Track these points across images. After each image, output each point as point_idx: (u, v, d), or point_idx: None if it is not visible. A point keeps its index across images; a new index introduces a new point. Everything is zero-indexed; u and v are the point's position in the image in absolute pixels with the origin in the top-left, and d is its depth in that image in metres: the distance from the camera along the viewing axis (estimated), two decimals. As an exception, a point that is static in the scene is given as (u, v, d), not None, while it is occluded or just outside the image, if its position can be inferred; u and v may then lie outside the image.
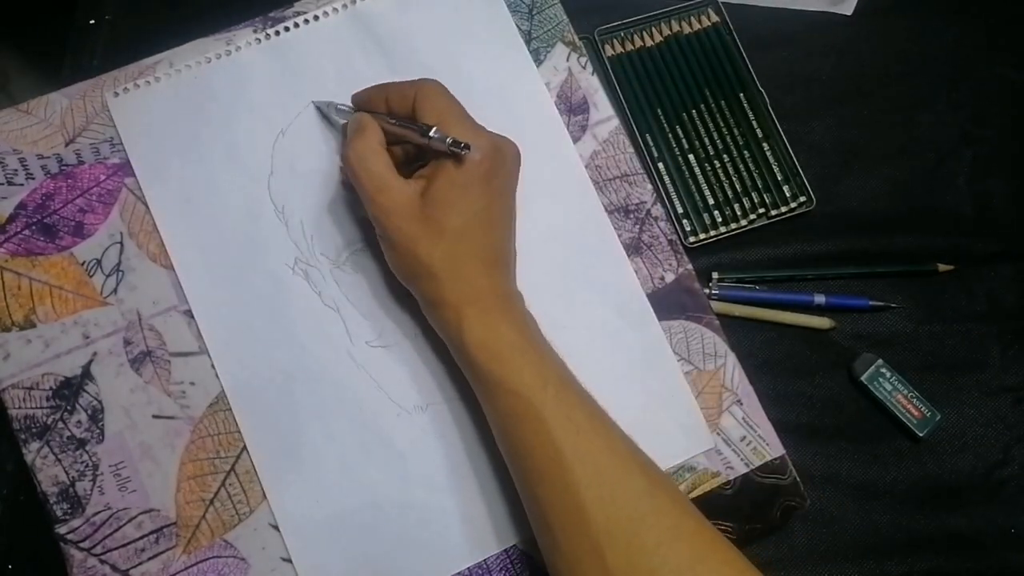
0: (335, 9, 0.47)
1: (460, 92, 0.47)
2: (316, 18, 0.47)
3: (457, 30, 0.48)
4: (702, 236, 0.52)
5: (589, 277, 0.46)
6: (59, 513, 0.42)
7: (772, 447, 0.45)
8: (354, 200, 0.45)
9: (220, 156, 0.45)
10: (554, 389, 0.37)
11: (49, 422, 0.43)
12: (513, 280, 0.42)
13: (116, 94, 0.46)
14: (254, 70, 0.46)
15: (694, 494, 0.44)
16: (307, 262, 0.45)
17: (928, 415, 0.50)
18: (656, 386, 0.45)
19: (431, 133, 0.38)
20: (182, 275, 0.44)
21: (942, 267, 0.53)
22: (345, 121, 0.44)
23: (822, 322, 0.52)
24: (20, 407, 0.43)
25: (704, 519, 0.37)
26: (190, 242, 0.45)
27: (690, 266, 0.47)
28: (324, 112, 0.46)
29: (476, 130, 0.39)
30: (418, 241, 0.38)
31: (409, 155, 0.43)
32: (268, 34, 0.47)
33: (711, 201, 0.52)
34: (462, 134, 0.38)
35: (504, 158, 0.40)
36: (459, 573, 0.43)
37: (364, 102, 0.43)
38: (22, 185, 0.45)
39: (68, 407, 0.43)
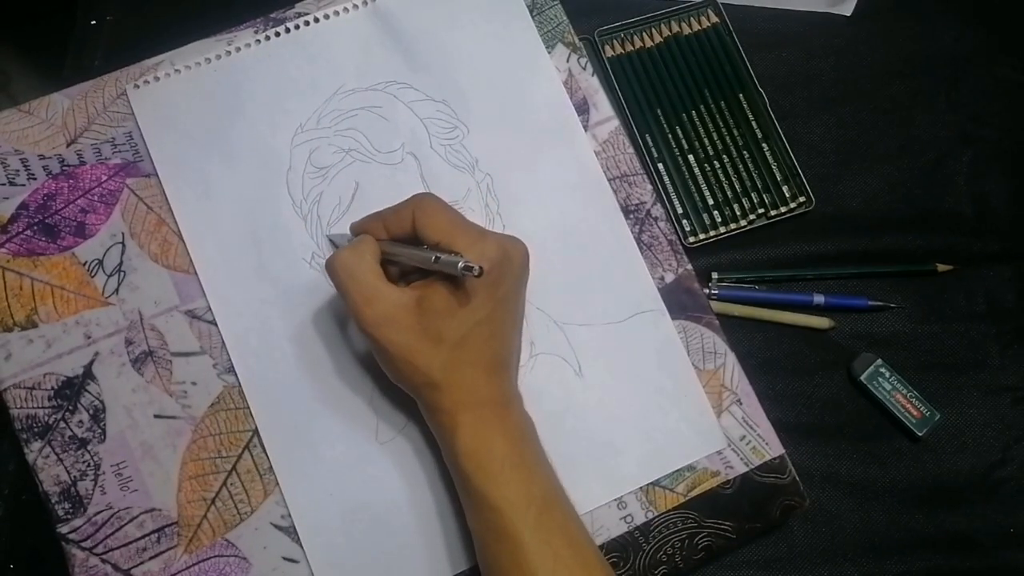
0: (355, 5, 0.48)
1: (478, 88, 0.47)
2: (336, 13, 0.47)
3: (475, 26, 0.48)
4: (702, 236, 0.52)
5: (603, 273, 0.46)
6: (61, 513, 0.42)
7: (771, 446, 0.45)
8: (370, 195, 0.45)
9: (239, 149, 0.46)
10: (537, 511, 0.37)
11: (51, 422, 0.43)
12: (514, 382, 0.41)
13: (136, 86, 0.46)
14: (273, 65, 0.47)
15: (694, 493, 0.44)
16: (324, 256, 0.45)
17: (927, 415, 0.50)
18: (669, 385, 0.45)
19: (441, 257, 0.37)
20: (199, 267, 0.44)
21: (941, 267, 0.53)
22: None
23: (821, 322, 0.52)
24: (22, 407, 0.43)
25: None
26: (208, 234, 0.45)
27: (690, 266, 0.47)
28: (335, 243, 0.45)
29: (481, 239, 0.38)
30: (416, 352, 0.37)
31: (404, 271, 0.41)
32: (279, 31, 0.47)
33: (711, 201, 0.53)
34: (468, 247, 0.37)
35: (511, 263, 0.39)
36: (462, 572, 0.43)
37: (361, 231, 0.42)
38: (24, 185, 0.45)
39: (70, 407, 0.43)
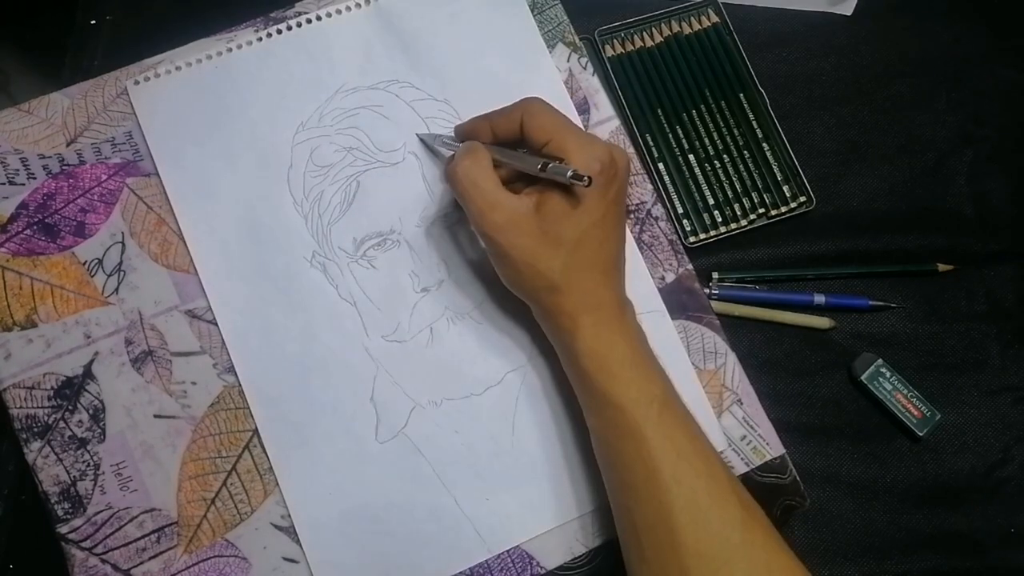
0: (357, 4, 0.48)
1: (480, 87, 0.47)
2: (338, 12, 0.47)
3: (476, 25, 0.48)
4: (702, 236, 0.52)
5: None
6: (60, 513, 0.42)
7: (772, 446, 0.45)
8: (371, 194, 0.45)
9: (239, 147, 0.46)
10: (659, 407, 0.38)
11: (50, 422, 0.43)
12: (624, 288, 0.42)
13: (136, 82, 0.46)
14: (274, 63, 0.47)
15: (694, 493, 0.44)
16: (324, 255, 0.45)
17: (928, 415, 0.50)
18: None
19: (549, 166, 0.37)
20: (200, 266, 0.44)
21: (942, 267, 0.53)
22: (451, 152, 0.44)
23: (822, 322, 0.52)
24: (22, 407, 0.43)
25: (795, 558, 0.37)
26: (209, 233, 0.45)
27: (690, 266, 0.47)
28: (428, 144, 0.46)
29: (591, 141, 0.39)
30: (537, 255, 0.38)
31: (511, 175, 0.42)
32: (279, 29, 0.47)
33: (711, 201, 0.53)
34: (577, 149, 0.38)
35: (617, 167, 0.39)
36: (460, 572, 0.43)
37: (468, 133, 0.43)
38: (23, 185, 0.45)
39: (69, 406, 0.43)
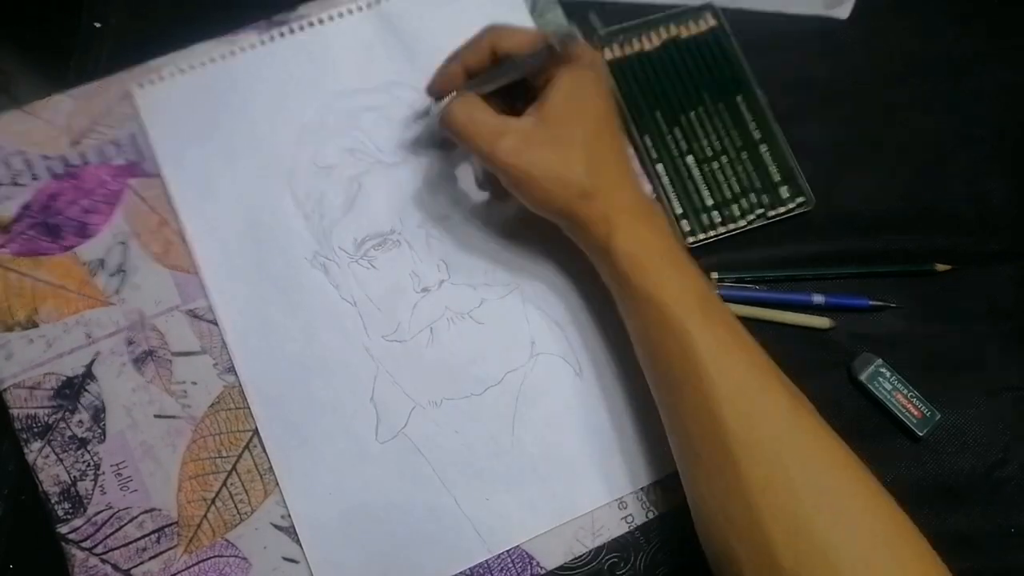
0: (358, 7, 0.48)
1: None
2: (340, 15, 0.48)
3: (476, 28, 0.48)
4: (701, 237, 0.52)
5: None
6: (60, 513, 0.42)
7: (772, 446, 0.45)
8: (372, 195, 0.46)
9: (242, 149, 0.46)
10: (700, 302, 0.38)
11: (51, 422, 0.43)
12: (644, 193, 0.42)
13: (140, 85, 0.46)
14: (276, 65, 0.47)
15: (694, 493, 0.44)
16: (325, 256, 0.45)
17: (927, 414, 0.50)
18: None
19: (538, 48, 0.38)
20: (201, 267, 0.44)
21: (941, 267, 0.53)
22: (436, 113, 0.44)
23: (821, 322, 0.52)
24: (22, 407, 0.43)
25: (842, 442, 0.37)
26: (211, 233, 0.45)
27: (689, 266, 0.47)
28: (420, 118, 0.46)
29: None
30: (559, 163, 0.39)
31: (499, 110, 0.42)
32: (282, 32, 0.47)
33: (710, 202, 0.53)
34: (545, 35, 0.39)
35: (596, 59, 0.40)
36: (460, 572, 0.43)
37: (443, 83, 0.43)
38: (27, 185, 0.45)
39: (70, 407, 0.43)
